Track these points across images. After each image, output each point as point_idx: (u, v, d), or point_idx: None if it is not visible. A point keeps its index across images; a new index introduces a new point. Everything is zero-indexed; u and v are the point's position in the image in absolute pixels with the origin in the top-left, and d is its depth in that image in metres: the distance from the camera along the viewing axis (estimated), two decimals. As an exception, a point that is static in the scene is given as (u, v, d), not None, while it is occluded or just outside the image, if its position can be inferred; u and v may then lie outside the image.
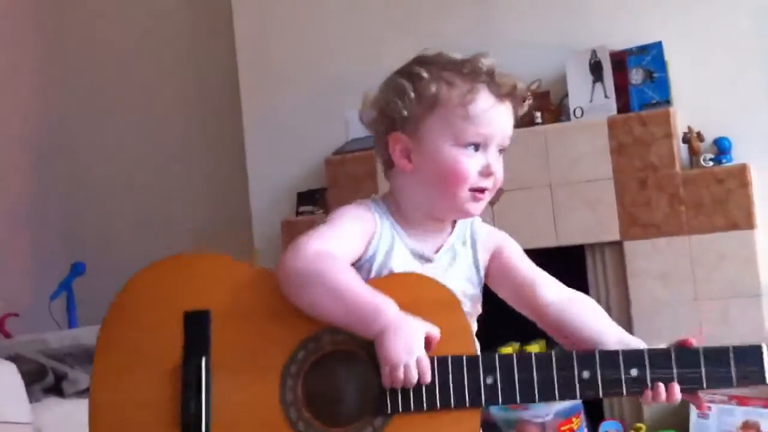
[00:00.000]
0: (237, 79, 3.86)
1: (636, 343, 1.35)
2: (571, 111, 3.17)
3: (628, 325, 3.01)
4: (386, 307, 1.28)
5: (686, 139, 3.05)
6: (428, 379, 1.26)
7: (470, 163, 1.39)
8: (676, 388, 1.27)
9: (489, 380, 1.27)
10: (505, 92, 1.43)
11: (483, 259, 1.50)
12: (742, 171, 2.92)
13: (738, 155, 3.01)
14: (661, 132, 2.99)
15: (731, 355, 1.27)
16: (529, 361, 1.28)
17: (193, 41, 4.32)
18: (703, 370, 1.27)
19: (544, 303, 1.47)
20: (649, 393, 1.27)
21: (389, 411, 1.28)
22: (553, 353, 1.28)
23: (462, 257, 1.48)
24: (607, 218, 3.04)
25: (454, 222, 1.50)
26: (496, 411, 2.94)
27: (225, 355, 1.36)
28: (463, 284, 1.46)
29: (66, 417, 2.58)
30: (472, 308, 1.47)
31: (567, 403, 2.87)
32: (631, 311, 3.00)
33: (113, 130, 4.48)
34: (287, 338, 1.34)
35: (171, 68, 4.37)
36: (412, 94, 1.42)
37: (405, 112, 1.42)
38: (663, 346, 1.31)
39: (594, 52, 3.16)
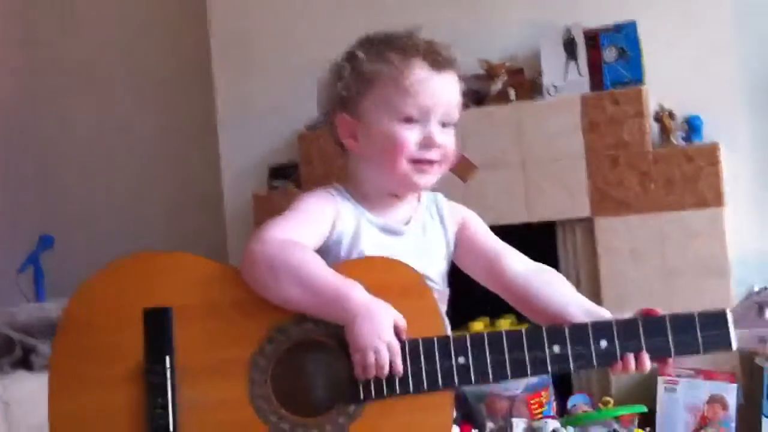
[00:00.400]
0: (209, 52, 3.82)
1: (602, 313, 1.37)
2: (545, 88, 3.17)
3: (597, 301, 3.03)
4: (354, 292, 1.27)
5: (658, 118, 3.06)
6: (399, 363, 1.26)
7: (407, 135, 1.39)
8: (646, 357, 1.28)
9: (461, 361, 1.27)
10: (441, 62, 1.42)
11: (452, 233, 1.51)
12: (712, 150, 2.94)
13: (708, 134, 3.03)
14: (633, 110, 3.00)
15: (697, 321, 1.28)
16: (500, 339, 1.28)
17: (165, 16, 4.27)
18: (670, 338, 1.28)
19: (510, 276, 1.48)
20: (619, 364, 1.28)
21: (362, 398, 1.27)
22: (523, 331, 1.28)
23: (432, 230, 1.49)
24: (578, 195, 3.05)
25: (419, 198, 1.50)
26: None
27: (190, 354, 1.32)
28: (438, 260, 1.48)
29: (34, 390, 2.55)
30: (443, 285, 1.48)
31: (536, 377, 2.89)
32: (601, 288, 3.03)
33: (83, 104, 4.42)
34: (253, 331, 1.31)
35: (142, 41, 4.32)
36: (349, 74, 1.44)
37: (344, 93, 1.44)
38: (628, 315, 1.32)
39: (568, 30, 3.16)
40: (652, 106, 3.08)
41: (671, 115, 3.05)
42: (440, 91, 1.41)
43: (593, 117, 3.04)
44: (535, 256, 3.10)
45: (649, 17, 3.13)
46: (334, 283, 1.28)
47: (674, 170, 2.95)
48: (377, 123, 1.41)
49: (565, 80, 3.15)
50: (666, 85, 3.11)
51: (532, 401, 2.87)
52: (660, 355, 1.29)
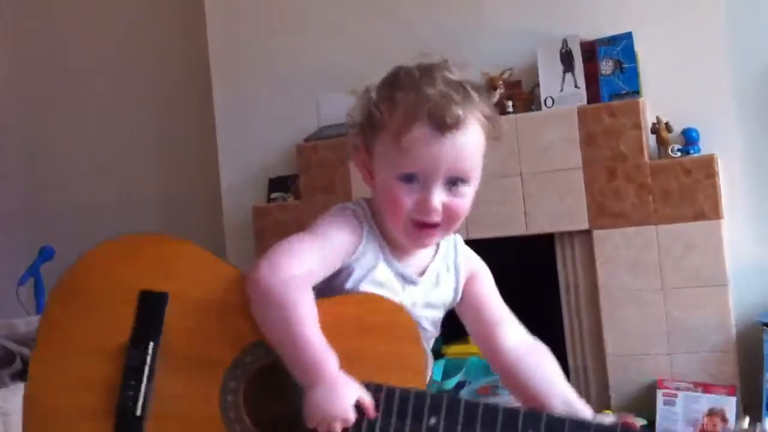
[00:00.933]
0: (208, 62, 3.84)
1: (581, 408, 1.33)
2: (542, 100, 3.19)
3: (596, 313, 3.05)
4: (326, 366, 1.24)
5: (655, 130, 3.07)
6: None
7: (403, 196, 1.31)
8: None
9: (432, 422, 1.22)
10: (449, 123, 1.30)
11: (462, 282, 1.47)
12: (709, 162, 2.95)
13: (705, 146, 3.04)
14: (630, 122, 3.01)
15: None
16: (475, 409, 1.21)
17: (163, 24, 4.29)
18: None
19: (503, 349, 1.43)
20: None
21: None
22: (500, 408, 1.22)
23: (445, 281, 1.44)
24: (576, 207, 3.06)
25: (438, 244, 1.45)
26: (465, 397, 2.96)
27: (175, 343, 1.32)
28: (439, 311, 1.45)
29: (34, 402, 2.56)
30: (436, 331, 1.46)
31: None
32: (600, 299, 3.03)
33: (82, 114, 4.43)
34: (239, 338, 1.30)
35: (141, 51, 4.33)
36: (365, 111, 1.37)
37: (363, 125, 1.38)
38: (610, 419, 1.25)
39: (565, 42, 3.18)
40: (649, 118, 3.09)
41: (668, 127, 3.06)
42: (442, 155, 1.30)
43: (590, 129, 3.05)
44: (534, 268, 3.12)
45: (645, 29, 3.14)
46: (314, 347, 1.25)
47: (671, 182, 2.96)
48: (380, 172, 1.35)
49: (562, 92, 3.16)
50: (663, 97, 3.13)
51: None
52: None
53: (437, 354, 3.16)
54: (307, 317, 1.26)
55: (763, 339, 2.78)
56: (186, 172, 4.22)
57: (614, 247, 3.02)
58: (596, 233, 3.05)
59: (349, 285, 1.35)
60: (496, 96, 3.26)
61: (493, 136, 1.40)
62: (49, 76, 4.50)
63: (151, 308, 1.32)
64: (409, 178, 1.31)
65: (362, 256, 1.36)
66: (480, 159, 1.38)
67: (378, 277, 1.37)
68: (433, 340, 1.47)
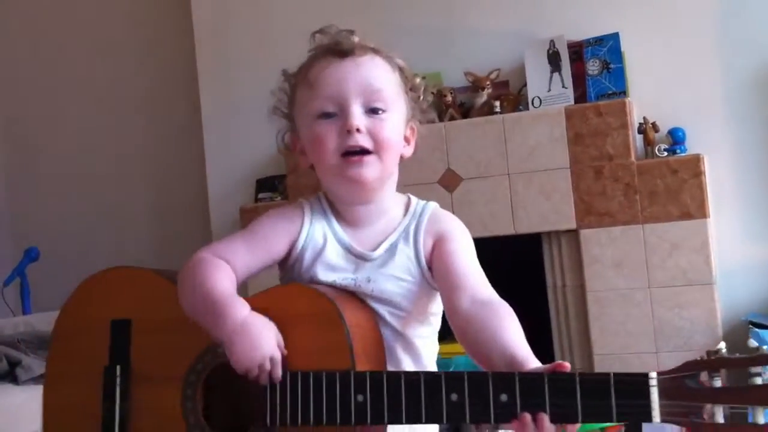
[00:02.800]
0: (195, 63, 3.83)
1: (526, 363, 1.20)
2: (530, 100, 3.20)
3: (583, 312, 3.05)
4: (234, 309, 1.26)
5: (641, 130, 3.09)
6: (278, 375, 1.24)
7: (326, 130, 1.33)
8: (545, 419, 1.10)
9: (359, 398, 1.21)
10: (345, 50, 1.36)
11: (426, 248, 1.40)
12: (695, 161, 2.96)
13: (692, 146, 3.06)
14: (617, 122, 3.02)
15: (612, 387, 1.08)
16: (398, 380, 1.19)
17: (150, 25, 4.28)
18: (579, 401, 1.09)
19: (459, 309, 1.33)
20: (516, 423, 1.12)
21: (269, 423, 1.26)
22: (421, 374, 1.19)
23: (401, 252, 1.39)
24: (563, 207, 3.07)
25: (407, 211, 1.44)
26: (452, 397, 2.96)
27: (142, 364, 1.42)
28: (408, 282, 1.38)
29: (20, 402, 2.55)
30: (411, 305, 1.39)
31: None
32: (587, 298, 3.04)
33: (68, 115, 4.41)
34: (190, 348, 1.36)
35: (128, 52, 4.32)
36: (282, 92, 1.45)
37: (284, 111, 1.45)
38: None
39: (552, 43, 3.18)
40: (635, 118, 3.11)
41: (655, 127, 3.08)
42: (346, 75, 1.35)
43: (578, 129, 3.06)
44: (522, 267, 3.12)
45: (632, 30, 3.16)
46: (218, 296, 1.28)
47: (658, 182, 2.97)
48: (303, 129, 1.38)
49: (549, 92, 3.17)
50: (649, 97, 3.14)
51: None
52: (565, 420, 1.10)
53: (425, 354, 3.15)
54: (211, 275, 1.31)
55: (750, 337, 2.79)
56: (173, 173, 4.21)
57: (601, 246, 3.03)
58: (583, 233, 3.06)
59: (304, 271, 1.38)
60: (484, 96, 3.27)
61: (409, 86, 1.43)
62: (36, 78, 4.48)
63: (119, 335, 1.44)
64: (327, 115, 1.34)
65: (310, 238, 1.39)
66: (396, 91, 1.39)
67: (329, 257, 1.38)
68: (427, 318, 1.43)
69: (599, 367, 3.02)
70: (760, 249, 3.06)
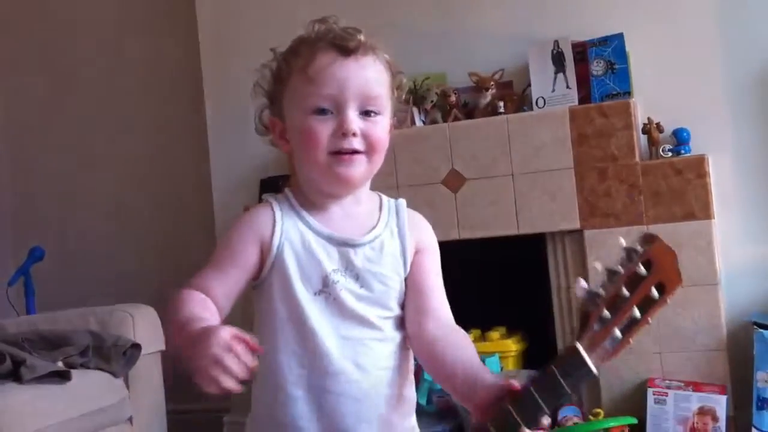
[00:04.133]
0: (199, 62, 3.83)
1: (488, 378, 1.32)
2: (534, 101, 3.19)
3: (587, 313, 3.05)
4: (192, 328, 1.21)
5: (646, 130, 3.08)
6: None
7: (319, 127, 1.33)
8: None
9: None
10: (350, 47, 1.35)
11: (411, 249, 1.43)
12: (700, 162, 2.96)
13: (696, 146, 3.05)
14: (621, 123, 3.02)
15: (558, 374, 1.19)
16: None
17: (154, 25, 4.28)
18: (541, 403, 1.19)
19: (427, 335, 1.37)
20: None
21: None
22: None
23: (389, 248, 1.41)
24: (567, 207, 3.07)
25: (381, 206, 1.44)
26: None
27: None
28: (394, 282, 1.40)
29: (24, 402, 2.55)
30: (398, 307, 1.40)
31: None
32: (590, 299, 3.03)
33: (73, 113, 4.42)
34: None
35: (131, 52, 4.32)
36: (270, 74, 1.43)
37: (269, 94, 1.43)
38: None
39: (556, 43, 3.18)
40: (640, 118, 3.10)
41: (659, 127, 3.07)
42: (349, 76, 1.34)
43: (582, 129, 3.06)
44: (526, 268, 3.12)
45: (636, 30, 3.16)
46: (186, 326, 1.23)
47: (662, 182, 2.97)
48: (293, 119, 1.37)
49: (554, 92, 3.17)
50: (654, 97, 3.14)
51: (522, 413, 2.87)
52: (538, 419, 1.20)
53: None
54: (178, 309, 1.27)
55: (754, 338, 2.79)
56: (177, 173, 4.21)
57: (605, 247, 3.02)
58: (587, 233, 3.05)
59: (286, 275, 1.35)
60: (488, 97, 3.27)
61: (395, 86, 1.43)
62: (40, 77, 4.49)
63: None
64: (322, 111, 1.34)
65: (286, 237, 1.36)
66: (387, 93, 1.40)
67: (317, 250, 1.36)
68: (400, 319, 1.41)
69: (603, 368, 3.01)
70: (764, 250, 3.06)
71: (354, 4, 3.47)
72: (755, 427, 2.72)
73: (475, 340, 3.16)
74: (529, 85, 3.23)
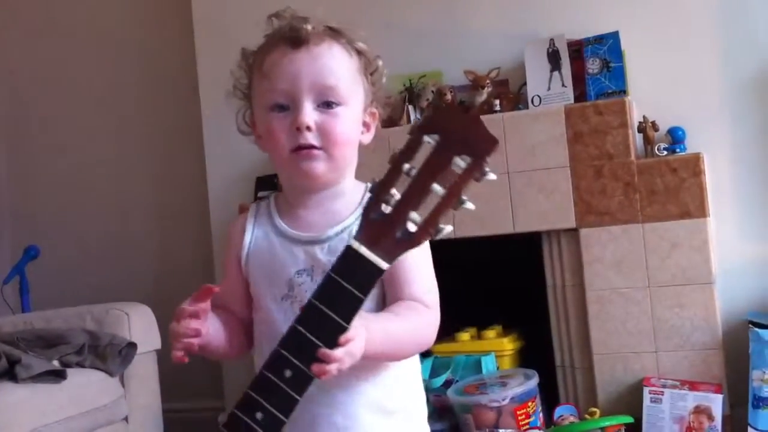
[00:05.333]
0: (195, 60, 3.83)
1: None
2: (529, 99, 3.19)
3: (583, 311, 3.05)
4: None
5: (641, 129, 3.09)
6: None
7: (278, 124, 1.31)
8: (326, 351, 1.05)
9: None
10: (300, 38, 1.32)
11: None
12: (695, 160, 2.96)
13: (692, 145, 3.06)
14: (617, 121, 3.02)
15: (341, 281, 1.05)
16: None
17: (150, 22, 4.27)
18: (334, 317, 1.05)
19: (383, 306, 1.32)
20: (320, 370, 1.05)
21: None
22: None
23: None
24: (563, 206, 3.07)
25: (363, 198, 1.37)
26: (452, 396, 2.96)
27: None
28: None
29: (19, 401, 2.55)
30: (372, 304, 1.32)
31: (523, 388, 2.90)
32: (586, 298, 3.04)
33: (69, 113, 4.41)
34: None
35: (127, 48, 4.31)
36: (239, 71, 1.42)
37: (243, 94, 1.42)
38: None
39: (552, 41, 3.18)
40: (635, 116, 3.10)
41: (654, 126, 3.08)
42: (299, 68, 1.30)
43: (577, 128, 3.06)
44: (521, 266, 3.11)
45: (632, 29, 3.16)
46: None
47: (658, 181, 2.97)
48: (258, 117, 1.37)
49: (549, 91, 3.17)
50: (649, 96, 3.14)
51: (518, 412, 2.88)
52: (335, 336, 1.06)
53: (425, 352, 3.15)
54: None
55: (749, 337, 2.79)
56: (173, 171, 4.21)
57: (601, 245, 3.03)
58: (583, 232, 3.05)
59: (256, 282, 1.36)
60: (484, 95, 3.26)
61: (369, 70, 1.38)
62: (38, 77, 4.48)
63: None
64: (280, 108, 1.32)
65: (254, 244, 1.37)
66: (352, 81, 1.35)
67: (278, 256, 1.34)
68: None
69: (598, 366, 3.02)
70: (759, 248, 3.06)
71: (349, 2, 3.48)
72: (751, 426, 2.73)
73: (470, 339, 3.17)
74: (525, 83, 3.23)
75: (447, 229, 1.10)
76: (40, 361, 2.70)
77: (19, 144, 4.51)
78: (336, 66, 1.33)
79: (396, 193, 1.02)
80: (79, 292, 3.84)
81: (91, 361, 2.85)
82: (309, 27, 1.32)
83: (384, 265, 1.03)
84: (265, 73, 1.33)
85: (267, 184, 3.61)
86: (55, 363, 2.76)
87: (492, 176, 1.08)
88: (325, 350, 1.03)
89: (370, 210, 1.04)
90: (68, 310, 3.11)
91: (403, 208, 1.03)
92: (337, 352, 1.04)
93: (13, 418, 2.48)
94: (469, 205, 1.08)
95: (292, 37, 1.32)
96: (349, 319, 1.04)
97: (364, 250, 1.03)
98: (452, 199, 1.04)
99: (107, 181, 4.34)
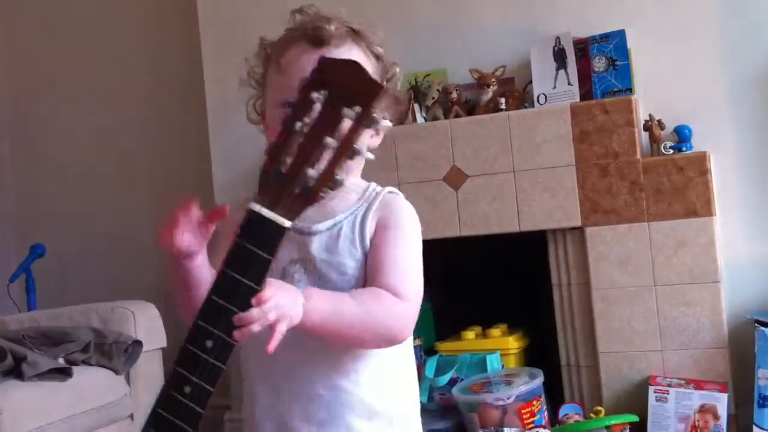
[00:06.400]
0: (200, 55, 3.83)
1: None
2: (535, 98, 3.19)
3: (588, 310, 3.05)
4: None
5: (647, 127, 3.08)
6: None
7: None
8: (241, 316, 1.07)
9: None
10: (324, 37, 1.31)
11: (370, 230, 1.34)
12: (701, 159, 2.95)
13: (698, 143, 3.05)
14: (623, 120, 3.02)
15: (247, 245, 1.06)
16: None
17: (155, 17, 4.27)
18: (245, 281, 1.06)
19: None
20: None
21: None
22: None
23: (347, 233, 1.34)
24: (568, 204, 3.06)
25: (362, 196, 1.38)
26: (457, 394, 2.96)
27: None
28: (349, 265, 1.32)
29: (25, 399, 2.56)
30: (357, 283, 1.32)
31: (528, 387, 2.90)
32: (592, 296, 3.04)
33: (74, 110, 4.41)
34: None
35: (131, 44, 4.32)
36: (259, 58, 1.41)
37: (258, 83, 1.41)
38: None
39: (558, 39, 3.18)
40: (641, 115, 3.10)
41: (661, 124, 3.07)
42: None
43: (583, 126, 3.05)
44: (527, 265, 3.12)
45: (638, 27, 3.15)
46: None
47: (664, 179, 2.97)
48: (268, 110, 1.35)
49: (555, 89, 3.17)
50: (655, 94, 3.13)
51: (523, 411, 2.88)
52: (247, 300, 1.07)
53: (430, 350, 3.16)
54: None
55: (755, 336, 2.78)
56: (178, 168, 4.21)
57: (606, 244, 3.03)
58: (589, 230, 3.05)
59: None
60: (489, 93, 3.26)
61: (385, 77, 1.38)
62: (42, 74, 4.49)
63: None
64: (290, 105, 1.31)
65: None
66: None
67: None
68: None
69: (604, 364, 3.02)
70: (766, 247, 3.05)
71: (352, 2, 3.48)
72: (756, 425, 2.72)
73: (476, 338, 3.17)
74: (531, 81, 3.23)
75: (348, 181, 1.10)
76: (46, 358, 2.71)
77: (24, 142, 4.52)
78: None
79: (291, 153, 1.04)
80: (84, 290, 3.84)
81: (96, 359, 2.86)
82: (332, 28, 1.32)
83: (286, 222, 1.05)
84: (282, 69, 1.33)
85: (272, 182, 3.61)
86: (61, 361, 2.76)
87: (386, 123, 1.09)
88: (239, 315, 1.05)
89: (267, 172, 1.06)
90: (74, 308, 3.12)
91: (298, 166, 1.05)
92: (252, 312, 1.06)
93: (19, 415, 2.49)
94: (368, 155, 1.08)
95: (314, 36, 1.32)
96: (259, 281, 1.06)
97: (265, 212, 1.05)
98: (345, 150, 1.04)
99: (113, 179, 4.34)
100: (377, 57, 1.38)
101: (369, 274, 1.30)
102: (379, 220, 1.34)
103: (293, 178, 1.05)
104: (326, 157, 1.04)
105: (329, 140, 1.03)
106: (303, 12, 1.38)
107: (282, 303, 1.11)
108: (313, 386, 1.32)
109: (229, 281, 1.06)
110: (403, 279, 1.29)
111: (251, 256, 1.06)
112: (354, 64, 1.04)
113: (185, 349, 1.06)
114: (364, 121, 1.03)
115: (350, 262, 1.32)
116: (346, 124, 1.03)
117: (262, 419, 1.35)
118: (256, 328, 1.06)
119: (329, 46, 1.32)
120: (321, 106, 1.03)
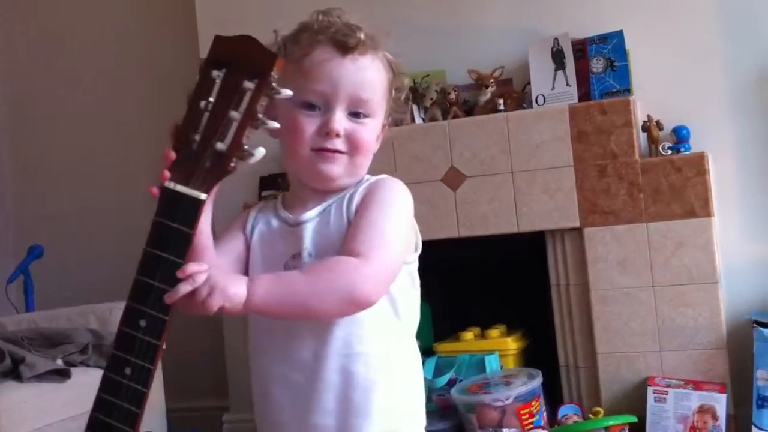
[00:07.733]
0: (199, 59, 3.82)
1: None
2: (533, 98, 3.19)
3: (587, 311, 3.05)
4: None
5: (645, 128, 3.08)
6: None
7: (306, 123, 1.32)
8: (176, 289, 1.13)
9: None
10: (351, 44, 1.33)
11: (356, 204, 1.36)
12: (700, 159, 2.96)
13: (696, 144, 3.05)
14: (621, 120, 3.02)
15: (168, 222, 1.14)
16: None
17: (154, 17, 4.27)
18: (171, 257, 1.12)
19: None
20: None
21: None
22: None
23: (335, 217, 1.36)
24: (567, 205, 3.06)
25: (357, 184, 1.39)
26: (455, 395, 2.96)
27: None
28: (336, 240, 1.33)
29: (23, 400, 2.55)
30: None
31: (527, 388, 2.90)
32: (590, 297, 3.04)
33: (72, 111, 4.41)
34: None
35: (130, 44, 4.32)
36: (275, 48, 1.37)
37: None
38: None
39: (556, 40, 3.18)
40: (640, 116, 3.10)
41: (659, 125, 3.07)
42: (343, 75, 1.32)
43: (581, 127, 3.05)
44: (526, 266, 3.12)
45: (636, 28, 3.15)
46: None
47: (662, 180, 2.97)
48: (282, 107, 1.34)
49: (553, 90, 3.17)
50: (654, 95, 3.14)
51: (522, 412, 2.88)
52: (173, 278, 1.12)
53: (429, 351, 3.15)
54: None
55: (754, 336, 2.78)
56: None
57: (605, 244, 3.03)
58: (587, 231, 3.05)
59: (254, 263, 1.38)
60: (488, 94, 3.26)
61: (395, 86, 1.41)
62: (40, 75, 4.48)
63: None
64: (311, 106, 1.33)
65: (254, 228, 1.40)
66: (383, 96, 1.38)
67: (274, 236, 1.38)
68: None
69: (602, 365, 3.02)
70: (764, 247, 3.06)
71: (351, 3, 3.48)
72: (755, 426, 2.72)
73: (474, 338, 3.17)
74: (529, 82, 3.23)
75: (258, 152, 1.16)
76: (44, 360, 2.71)
77: (22, 143, 4.52)
78: (375, 79, 1.36)
79: (199, 130, 1.11)
80: (83, 292, 3.83)
81: (95, 360, 2.85)
82: (361, 36, 1.34)
83: (202, 195, 1.12)
84: (305, 71, 1.33)
85: (271, 183, 3.61)
86: (59, 362, 2.76)
87: (287, 92, 1.15)
88: (168, 293, 1.10)
89: (178, 151, 1.13)
90: (72, 310, 3.12)
91: (207, 141, 1.11)
92: (179, 287, 1.11)
93: (17, 417, 2.49)
94: (273, 125, 1.16)
95: (342, 42, 1.33)
96: (182, 255, 1.11)
97: (180, 188, 1.12)
98: (249, 120, 1.10)
99: (111, 180, 4.34)
100: (391, 68, 1.41)
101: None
102: (364, 197, 1.36)
103: (203, 153, 1.10)
104: (233, 129, 1.10)
105: (233, 113, 1.09)
106: (329, 14, 1.38)
107: (214, 275, 1.15)
108: (328, 376, 1.32)
109: (153, 260, 1.12)
110: (369, 240, 1.28)
111: (171, 231, 1.12)
112: (247, 38, 1.11)
113: (121, 331, 1.12)
114: (264, 90, 1.08)
115: (342, 240, 1.32)
116: (247, 95, 1.09)
117: (280, 417, 1.35)
118: (184, 288, 1.11)
119: (354, 53, 1.34)
120: (221, 82, 1.10)
